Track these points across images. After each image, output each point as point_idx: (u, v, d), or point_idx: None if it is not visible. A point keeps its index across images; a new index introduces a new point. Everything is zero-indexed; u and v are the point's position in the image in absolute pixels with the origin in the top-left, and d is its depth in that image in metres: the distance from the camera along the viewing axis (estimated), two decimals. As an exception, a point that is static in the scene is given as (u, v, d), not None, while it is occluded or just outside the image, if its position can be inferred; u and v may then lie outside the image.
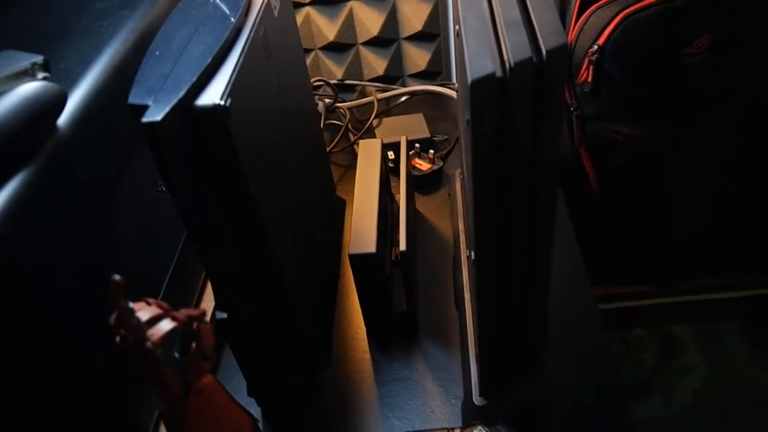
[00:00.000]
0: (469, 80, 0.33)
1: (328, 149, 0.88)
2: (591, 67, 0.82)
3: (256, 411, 0.57)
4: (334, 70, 1.05)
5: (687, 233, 1.05)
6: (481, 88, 0.33)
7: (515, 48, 0.34)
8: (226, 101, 0.39)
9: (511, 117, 0.35)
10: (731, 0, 0.79)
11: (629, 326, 1.39)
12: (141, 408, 0.52)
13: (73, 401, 0.48)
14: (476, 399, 0.54)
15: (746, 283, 1.24)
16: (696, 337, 1.35)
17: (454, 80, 1.07)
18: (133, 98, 0.39)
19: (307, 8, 0.99)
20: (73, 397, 0.47)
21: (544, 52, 0.33)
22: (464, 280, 0.64)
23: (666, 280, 1.21)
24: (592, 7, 0.83)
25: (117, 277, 0.33)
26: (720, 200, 1.01)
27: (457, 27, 0.45)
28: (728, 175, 0.97)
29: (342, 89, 1.03)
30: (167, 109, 0.37)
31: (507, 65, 0.34)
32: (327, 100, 0.93)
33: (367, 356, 0.63)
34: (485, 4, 0.40)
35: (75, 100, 0.46)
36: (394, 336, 0.64)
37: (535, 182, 0.39)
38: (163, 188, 0.59)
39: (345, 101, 0.97)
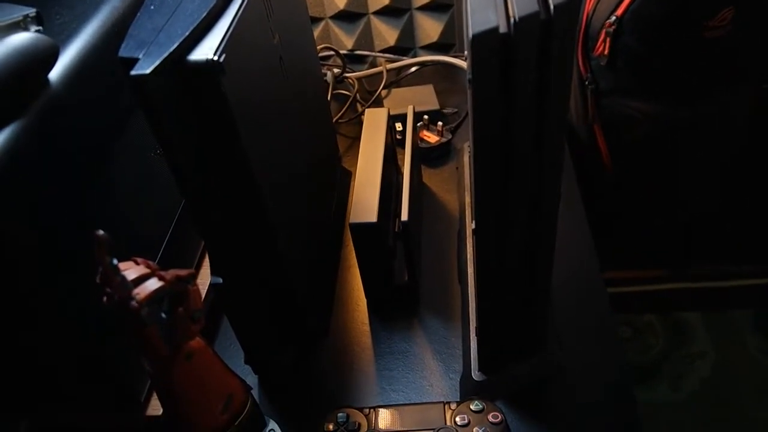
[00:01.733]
0: (471, 34, 0.31)
1: (335, 119, 0.87)
2: (608, 40, 0.79)
3: (252, 380, 0.57)
4: (344, 39, 1.02)
5: (700, 217, 1.03)
6: (483, 44, 0.31)
7: (521, 2, 0.32)
8: (219, 57, 0.37)
9: (515, 76, 0.33)
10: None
11: (639, 311, 1.37)
12: (134, 375, 0.52)
13: (64, 366, 0.47)
14: (475, 374, 0.53)
15: (759, 270, 1.21)
16: (706, 324, 1.33)
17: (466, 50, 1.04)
18: (124, 51, 0.37)
19: (318, -25, 0.97)
20: (65, 362, 0.47)
21: (552, 6, 0.32)
22: (468, 254, 0.63)
23: (677, 265, 1.19)
24: (611, -23, 0.79)
25: (101, 232, 0.32)
26: (735, 184, 0.98)
27: (464, -15, 0.43)
28: (745, 157, 0.95)
29: (352, 60, 1.01)
30: (157, 62, 0.36)
31: (512, 20, 0.32)
32: (336, 70, 0.91)
33: (367, 328, 0.62)
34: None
35: (69, 55, 0.45)
36: (395, 308, 0.63)
37: (540, 147, 0.37)
38: (160, 150, 0.57)
39: (354, 71, 0.95)
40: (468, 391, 0.53)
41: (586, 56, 0.85)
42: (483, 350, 0.52)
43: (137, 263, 0.36)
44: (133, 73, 0.35)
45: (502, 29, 0.32)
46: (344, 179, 0.78)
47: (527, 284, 0.46)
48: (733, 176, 0.97)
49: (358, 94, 0.90)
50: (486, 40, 0.31)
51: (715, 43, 0.79)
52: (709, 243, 1.10)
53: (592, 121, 0.88)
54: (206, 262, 0.67)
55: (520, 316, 0.49)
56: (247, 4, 0.43)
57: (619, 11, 0.77)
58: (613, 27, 0.78)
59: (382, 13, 1.00)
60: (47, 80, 0.42)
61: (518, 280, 0.46)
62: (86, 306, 0.44)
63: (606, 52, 0.81)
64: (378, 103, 0.88)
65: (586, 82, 0.86)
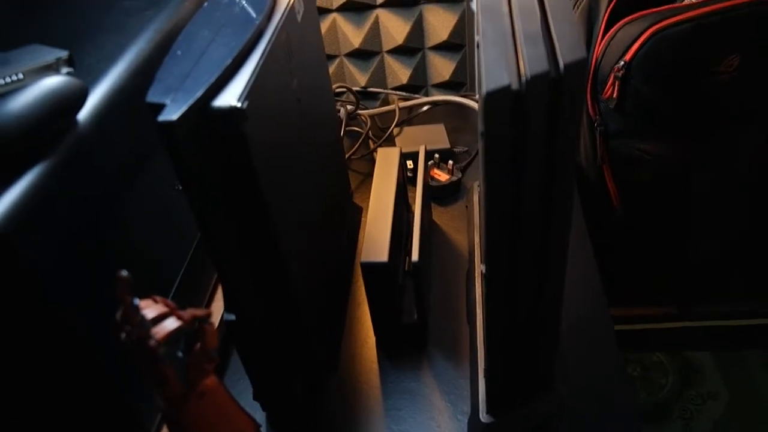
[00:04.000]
0: (484, 91, 0.32)
1: (347, 156, 0.88)
2: (617, 83, 0.81)
3: (260, 416, 0.57)
4: (358, 77, 1.05)
5: (710, 255, 1.03)
6: (496, 100, 0.33)
7: (532, 61, 0.33)
8: (243, 104, 0.39)
9: (526, 131, 0.34)
10: (760, 21, 0.77)
11: (648, 349, 1.36)
12: (145, 409, 0.52)
13: (77, 398, 0.48)
14: (483, 416, 0.53)
15: (770, 310, 1.21)
16: (718, 364, 1.32)
17: (477, 91, 1.06)
18: (151, 96, 0.39)
19: (334, 14, 1.00)
20: (78, 394, 0.48)
21: (561, 65, 0.33)
22: (477, 294, 0.64)
23: (687, 303, 1.18)
24: (620, 23, 0.81)
25: (124, 272, 0.33)
26: (745, 222, 0.98)
27: (477, 38, 0.44)
28: (754, 197, 0.95)
29: (365, 97, 1.03)
30: (184, 108, 0.37)
31: (523, 78, 0.33)
32: (349, 107, 0.93)
33: (375, 366, 0.62)
34: (506, 17, 0.40)
35: (97, 96, 0.47)
36: (403, 347, 0.63)
37: (549, 198, 0.38)
38: (180, 187, 0.59)
39: (367, 108, 0.97)
40: (475, 432, 0.54)
41: (595, 99, 0.87)
42: (491, 392, 0.52)
43: (156, 302, 0.37)
44: (160, 119, 0.37)
45: (514, 87, 0.33)
46: (355, 215, 0.79)
47: (536, 327, 0.47)
48: (743, 216, 0.97)
49: (370, 132, 0.92)
50: (498, 97, 0.33)
51: (723, 88, 0.80)
52: (720, 281, 1.09)
53: (601, 162, 0.90)
54: (218, 296, 0.68)
55: (528, 359, 0.49)
56: (270, 50, 0.45)
57: (628, 56, 0.79)
58: (622, 71, 0.80)
59: (395, 52, 1.02)
60: (76, 120, 0.44)
61: (527, 322, 0.46)
62: (103, 341, 0.45)
63: (615, 95, 0.82)
64: (390, 140, 0.90)
65: (595, 124, 0.87)
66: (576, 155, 0.41)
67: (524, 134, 0.34)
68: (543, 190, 0.37)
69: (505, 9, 0.41)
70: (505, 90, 0.33)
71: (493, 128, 0.34)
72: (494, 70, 0.33)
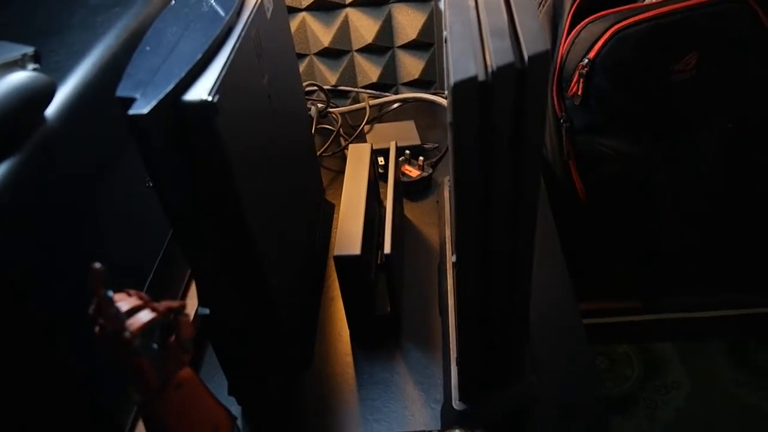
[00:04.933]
0: (452, 82, 0.33)
1: (318, 153, 0.89)
2: (581, 80, 0.83)
3: (235, 410, 0.57)
4: (329, 75, 1.05)
5: (673, 249, 1.06)
6: (463, 91, 0.34)
7: (498, 53, 0.35)
8: (213, 97, 0.39)
9: (493, 120, 0.35)
10: (717, 21, 0.80)
11: (614, 342, 1.39)
12: (118, 406, 0.52)
13: (48, 396, 0.48)
14: (456, 403, 0.54)
15: (732, 301, 1.25)
16: (681, 355, 1.36)
17: (446, 89, 1.08)
18: (121, 91, 0.39)
19: (303, 14, 1.00)
20: (49, 392, 0.47)
21: (526, 57, 0.34)
22: (448, 286, 0.65)
23: (652, 296, 1.22)
24: (584, 21, 0.84)
25: (97, 265, 0.33)
26: (707, 217, 1.02)
27: (445, 33, 0.45)
28: (715, 192, 0.99)
29: (336, 95, 1.04)
30: (154, 102, 0.37)
31: (489, 69, 0.34)
32: (320, 105, 0.94)
33: (350, 358, 0.63)
34: (472, 12, 0.41)
35: (64, 92, 0.47)
36: (377, 339, 0.64)
37: (518, 186, 0.39)
38: (151, 183, 0.59)
39: (338, 106, 0.98)
40: (449, 420, 0.55)
41: (560, 96, 0.89)
42: (463, 380, 0.53)
43: (129, 295, 0.37)
44: (130, 112, 0.37)
45: (481, 77, 0.34)
46: (327, 212, 0.80)
47: (506, 315, 0.48)
48: (705, 210, 1.01)
49: (341, 129, 0.92)
50: (466, 87, 0.34)
51: (682, 86, 0.83)
52: (683, 275, 1.13)
53: (567, 157, 0.92)
54: (191, 292, 0.67)
55: (499, 346, 0.50)
56: (239, 46, 0.45)
57: (592, 54, 0.82)
58: (586, 69, 0.82)
59: (365, 50, 1.03)
60: (44, 116, 0.43)
61: (497, 311, 0.48)
62: (74, 337, 0.45)
63: (579, 92, 0.85)
64: (361, 137, 0.91)
65: (561, 120, 0.90)
66: (542, 150, 0.43)
67: (491, 123, 0.35)
68: (511, 177, 0.38)
69: (472, 3, 0.42)
70: (472, 80, 0.34)
71: (462, 118, 0.35)
72: (462, 62, 0.34)
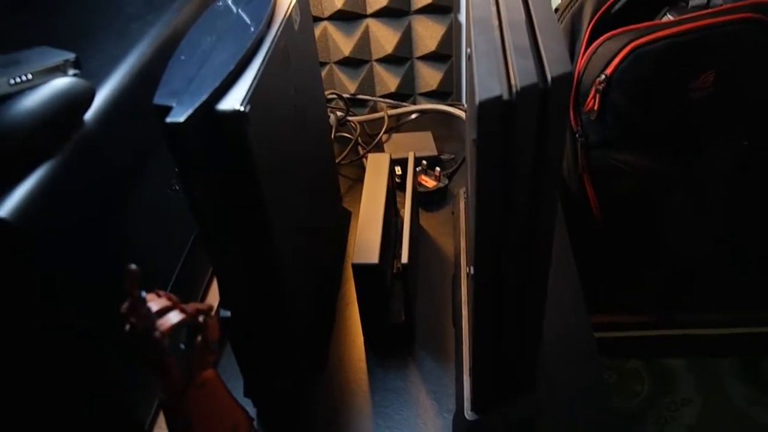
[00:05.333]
0: (478, 101, 0.35)
1: (337, 161, 0.90)
2: (598, 96, 0.84)
3: (251, 411, 0.58)
4: (348, 84, 1.07)
5: (687, 266, 1.06)
6: (489, 109, 0.35)
7: (522, 73, 0.36)
8: (245, 107, 0.41)
9: (516, 138, 0.37)
10: (734, 39, 0.81)
11: (624, 356, 1.39)
12: (140, 400, 0.53)
13: (73, 390, 0.49)
14: (468, 413, 0.55)
15: (745, 319, 1.24)
16: (692, 371, 1.35)
17: (464, 101, 1.09)
18: (158, 99, 0.41)
19: (325, 23, 1.02)
20: (74, 386, 0.49)
21: (549, 78, 0.35)
22: (462, 297, 0.66)
23: (664, 312, 1.22)
24: (602, 38, 0.85)
25: (133, 266, 0.35)
26: (721, 233, 1.02)
27: (468, 50, 0.47)
28: (730, 209, 0.99)
29: (354, 103, 1.05)
30: (190, 111, 0.39)
31: (514, 89, 0.35)
32: (339, 113, 0.95)
33: (363, 365, 0.64)
34: (496, 31, 0.42)
35: (101, 97, 0.48)
36: (391, 347, 0.65)
37: (537, 202, 0.40)
38: (177, 187, 0.60)
39: (356, 115, 0.99)
40: (461, 430, 0.56)
41: (577, 110, 0.90)
42: (476, 390, 0.54)
43: (160, 296, 0.39)
44: (167, 120, 0.38)
45: (505, 97, 0.35)
46: (344, 219, 0.81)
47: (520, 327, 0.49)
48: (719, 226, 1.01)
49: (359, 138, 0.94)
50: (491, 106, 0.35)
51: (699, 103, 0.84)
52: (695, 291, 1.13)
53: (582, 171, 0.93)
54: (210, 295, 0.69)
55: (512, 358, 0.51)
56: (269, 57, 0.47)
57: (609, 70, 0.83)
58: (603, 85, 0.83)
59: (384, 60, 1.05)
60: (83, 120, 0.45)
61: (512, 323, 0.49)
62: (102, 333, 0.46)
63: (596, 107, 0.85)
64: (379, 146, 0.92)
65: (577, 135, 0.91)
66: (561, 167, 0.43)
67: (514, 141, 0.37)
68: (530, 194, 0.40)
69: (496, 22, 0.43)
70: (497, 100, 0.35)
71: (486, 135, 0.36)
72: (487, 81, 0.36)
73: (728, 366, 1.35)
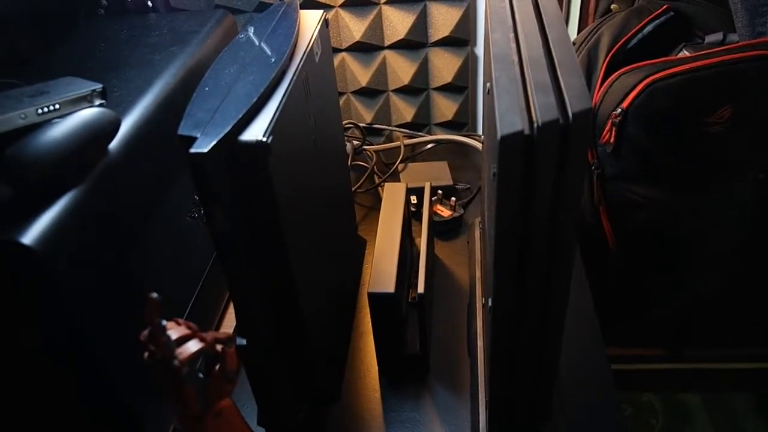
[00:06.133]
0: (499, 136, 0.35)
1: (353, 189, 0.91)
2: (614, 129, 0.85)
3: (264, 440, 0.58)
4: (364, 113, 1.08)
5: (702, 300, 1.05)
6: (510, 144, 0.35)
7: (543, 109, 0.36)
8: (268, 138, 0.42)
9: (536, 173, 0.37)
10: (751, 75, 0.81)
11: (639, 389, 1.37)
12: (153, 427, 0.53)
13: (87, 414, 0.49)
14: (483, 446, 0.54)
15: (761, 354, 1.22)
16: (707, 407, 1.33)
17: (479, 132, 1.10)
18: (183, 130, 0.41)
19: (344, 54, 1.04)
20: (89, 411, 0.49)
21: (570, 114, 0.36)
22: (478, 327, 0.65)
23: (679, 346, 1.20)
24: (618, 72, 0.85)
25: (154, 295, 0.35)
26: (737, 268, 1.01)
27: (488, 84, 0.47)
28: (746, 242, 0.98)
29: (370, 132, 1.06)
30: (214, 142, 0.40)
31: (535, 124, 0.36)
32: (355, 142, 0.96)
33: (377, 395, 0.63)
34: (517, 67, 0.43)
35: (125, 127, 0.50)
36: (405, 377, 0.65)
37: (555, 235, 0.40)
38: (195, 215, 0.61)
39: (372, 144, 1.00)
40: (475, 463, 0.55)
41: (593, 143, 0.90)
42: (492, 423, 0.54)
43: (179, 324, 0.39)
44: (192, 151, 0.39)
45: (527, 132, 0.36)
46: (359, 247, 0.82)
47: (538, 359, 0.49)
48: (735, 261, 1.00)
49: (375, 167, 0.94)
50: (512, 141, 0.35)
51: (715, 137, 0.84)
52: (711, 325, 1.11)
53: (597, 203, 0.93)
54: (225, 323, 0.69)
55: (528, 390, 0.51)
56: (291, 89, 0.48)
57: (625, 104, 0.83)
58: (619, 118, 0.83)
59: (401, 91, 1.06)
60: (107, 149, 0.46)
61: (529, 355, 0.48)
62: (118, 359, 0.47)
63: (612, 140, 0.86)
64: (394, 175, 0.93)
65: (593, 167, 0.91)
66: (579, 201, 0.44)
67: (534, 175, 0.37)
68: (549, 227, 0.40)
69: (516, 58, 0.44)
70: (518, 135, 0.35)
71: (507, 169, 0.36)
72: (508, 116, 0.36)
73: (743, 402, 1.32)
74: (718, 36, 0.87)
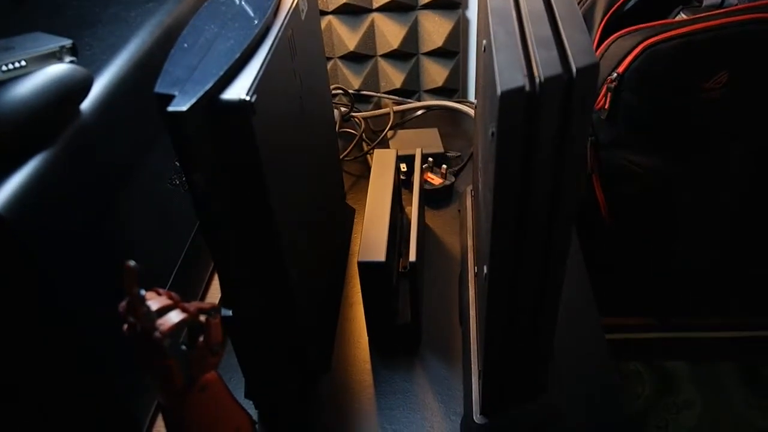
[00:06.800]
0: (499, 92, 0.33)
1: (341, 157, 0.88)
2: (609, 95, 0.83)
3: (253, 413, 0.56)
4: (352, 79, 1.05)
5: (692, 268, 1.05)
6: (510, 101, 0.33)
7: (545, 64, 0.34)
8: (251, 97, 0.39)
9: (538, 132, 0.35)
10: (748, 40, 0.79)
11: (626, 358, 1.38)
12: (138, 401, 0.52)
13: (70, 388, 0.47)
14: (476, 417, 0.53)
15: (747, 322, 1.23)
16: (693, 374, 1.34)
17: (471, 98, 1.07)
18: (160, 87, 0.39)
19: (330, 17, 1.00)
20: (72, 384, 0.47)
21: (574, 69, 0.34)
22: (470, 296, 0.64)
23: (667, 314, 1.21)
24: (614, 35, 0.83)
25: (132, 263, 0.33)
26: (728, 237, 1.01)
27: (485, 41, 0.45)
28: (738, 211, 0.97)
29: (358, 99, 1.03)
30: (193, 100, 0.37)
31: (537, 80, 0.34)
32: (343, 109, 0.94)
33: (368, 366, 0.62)
34: (515, 21, 0.40)
35: (98, 86, 0.47)
36: (396, 347, 0.63)
37: (556, 200, 0.38)
38: (177, 182, 0.59)
39: (361, 111, 0.97)
40: (468, 433, 0.54)
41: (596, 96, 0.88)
42: (486, 393, 0.52)
43: (160, 294, 0.37)
44: (170, 109, 0.36)
45: (528, 88, 0.34)
46: (348, 216, 0.79)
47: (533, 328, 0.47)
48: (727, 230, 0.99)
49: (364, 134, 0.92)
50: (513, 97, 0.33)
51: (711, 103, 0.82)
52: (700, 294, 1.12)
53: (591, 171, 0.91)
54: (210, 293, 0.67)
55: (524, 360, 0.49)
56: (276, 46, 0.45)
57: (621, 68, 0.81)
58: (615, 83, 0.81)
59: (390, 56, 1.03)
60: (79, 109, 0.43)
61: (525, 324, 0.47)
62: (98, 333, 0.44)
63: (607, 106, 0.84)
64: (383, 143, 0.91)
65: (586, 134, 0.89)
66: (584, 164, 0.42)
67: (536, 134, 0.35)
68: (550, 190, 0.38)
69: (514, 13, 0.41)
70: (519, 91, 0.33)
71: (507, 128, 0.34)
72: (508, 72, 0.34)
73: (729, 369, 1.34)
74: (716, -3, 0.85)
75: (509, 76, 0.34)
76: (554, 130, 0.35)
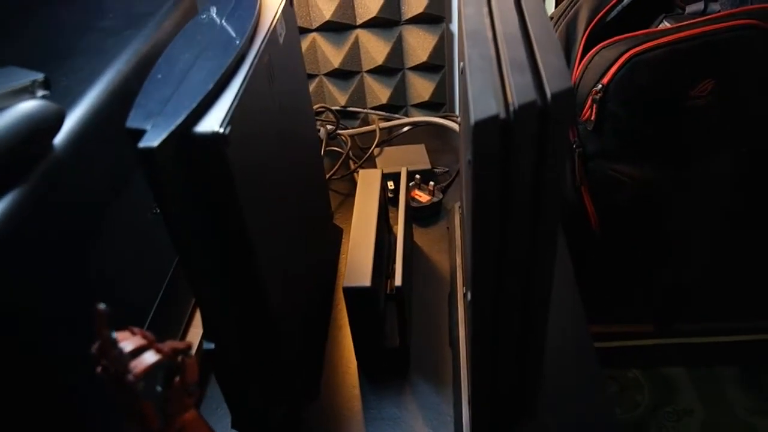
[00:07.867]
0: (473, 121, 0.32)
1: (327, 176, 0.88)
2: (594, 106, 0.82)
3: (239, 444, 0.55)
4: (338, 96, 1.05)
5: (686, 275, 1.04)
6: (485, 130, 0.33)
7: (520, 90, 0.33)
8: (225, 129, 0.38)
9: (514, 159, 0.34)
10: (733, 47, 0.79)
11: (624, 366, 1.37)
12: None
13: (42, 426, 0.46)
14: (467, 442, 0.52)
15: (744, 327, 1.23)
16: (693, 381, 1.33)
17: (458, 112, 1.07)
18: (132, 122, 0.38)
19: (314, 34, 1.00)
20: (44, 423, 0.46)
21: (549, 95, 0.33)
22: (459, 317, 0.63)
23: (663, 321, 1.20)
24: (598, 47, 0.83)
25: (102, 306, 0.32)
26: (720, 243, 1.00)
27: (462, 64, 0.44)
28: (728, 218, 0.97)
29: (345, 116, 1.03)
30: (164, 135, 0.36)
31: (511, 107, 0.33)
32: (329, 127, 0.93)
33: (357, 392, 0.61)
34: (491, 43, 0.40)
35: (73, 119, 0.46)
36: (385, 372, 0.62)
37: (536, 226, 0.38)
38: (157, 211, 0.58)
39: (347, 128, 0.97)
40: (460, 459, 0.53)
41: (573, 121, 0.88)
42: (475, 420, 0.52)
43: (134, 333, 0.36)
44: (140, 145, 0.36)
45: (502, 116, 0.33)
46: (335, 236, 0.79)
47: (521, 353, 0.46)
48: (718, 236, 0.99)
49: (350, 151, 0.91)
50: (487, 126, 0.33)
51: (697, 111, 0.82)
52: (695, 300, 1.11)
53: (579, 183, 0.91)
54: (194, 325, 0.66)
55: (513, 385, 0.49)
56: (252, 73, 0.44)
57: (605, 80, 0.81)
58: (600, 94, 0.81)
59: (375, 71, 1.02)
60: (51, 145, 0.42)
61: (512, 348, 0.46)
62: (75, 369, 0.43)
63: (593, 117, 0.83)
64: (370, 160, 0.90)
65: (574, 146, 0.88)
66: (562, 186, 0.41)
67: (511, 162, 0.34)
68: (530, 217, 0.37)
69: (490, 35, 0.41)
70: (493, 119, 0.32)
71: (482, 156, 0.34)
72: (482, 99, 0.33)
73: (729, 375, 1.33)
74: (699, 5, 0.85)
75: (483, 104, 0.33)
76: (531, 156, 0.35)
